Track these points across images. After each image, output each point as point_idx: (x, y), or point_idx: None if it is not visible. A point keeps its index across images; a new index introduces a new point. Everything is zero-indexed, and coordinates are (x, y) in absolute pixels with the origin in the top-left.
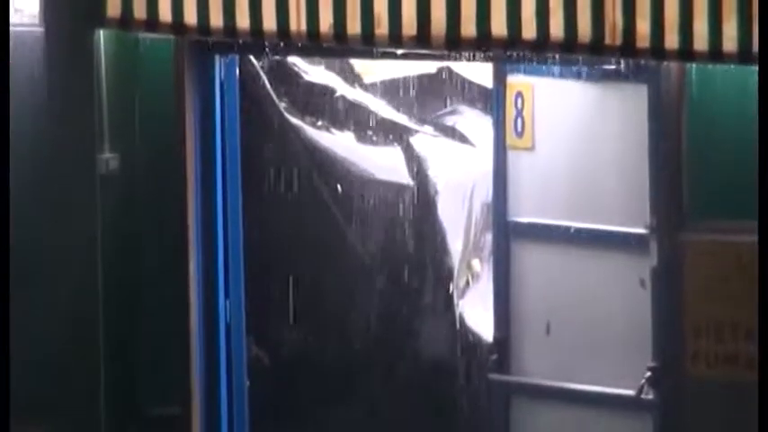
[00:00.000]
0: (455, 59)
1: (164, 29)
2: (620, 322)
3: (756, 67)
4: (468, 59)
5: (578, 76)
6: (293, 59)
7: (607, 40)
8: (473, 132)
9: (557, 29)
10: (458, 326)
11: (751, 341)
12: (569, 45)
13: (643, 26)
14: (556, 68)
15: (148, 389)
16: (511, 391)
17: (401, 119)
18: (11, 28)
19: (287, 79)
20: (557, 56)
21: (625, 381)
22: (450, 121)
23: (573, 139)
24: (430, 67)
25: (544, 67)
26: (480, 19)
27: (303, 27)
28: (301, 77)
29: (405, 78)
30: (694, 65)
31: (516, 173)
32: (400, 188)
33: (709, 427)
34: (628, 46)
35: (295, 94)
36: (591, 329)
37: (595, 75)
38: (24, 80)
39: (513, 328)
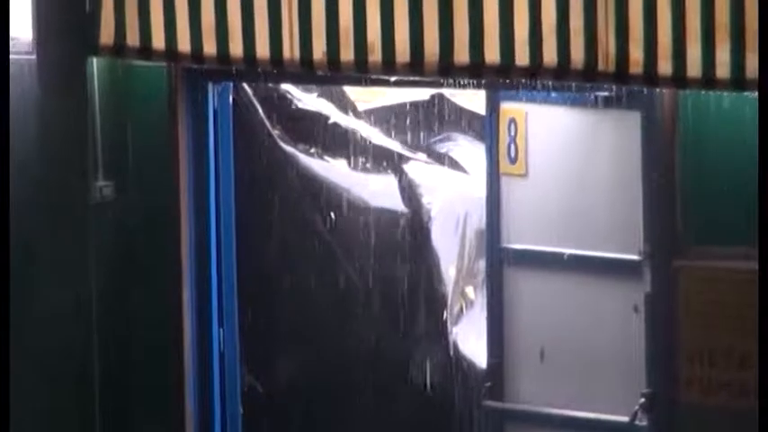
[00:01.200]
0: (448, 86)
1: (157, 56)
2: (614, 349)
3: (750, 93)
4: (461, 86)
5: (571, 102)
6: (286, 87)
7: (600, 67)
8: (466, 159)
9: (550, 55)
10: (452, 353)
11: (745, 368)
12: (562, 72)
13: (636, 52)
14: (549, 95)
15: (142, 417)
16: (505, 417)
17: (394, 146)
18: None
19: (280, 106)
20: (550, 82)
21: (619, 407)
22: (443, 147)
23: (566, 165)
24: (423, 94)
25: (537, 93)
26: (473, 46)
27: (296, 54)
28: (294, 105)
29: (398, 105)
30: (688, 91)
31: (510, 199)
32: (394, 215)
33: None
34: (621, 72)
35: (288, 121)
36: (585, 356)
37: (588, 101)
38: (18, 108)
39: (506, 354)
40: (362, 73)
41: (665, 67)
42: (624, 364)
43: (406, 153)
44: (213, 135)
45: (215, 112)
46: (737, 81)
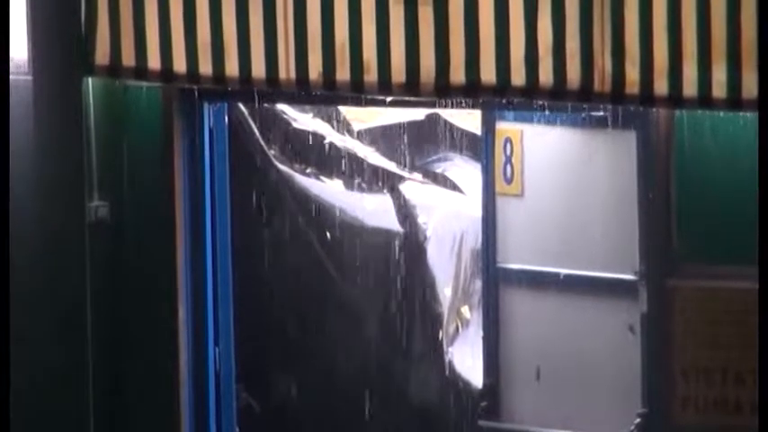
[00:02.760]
0: (444, 106)
1: (152, 77)
2: (610, 368)
3: (744, 113)
4: (457, 106)
5: (567, 122)
6: (282, 107)
7: (596, 87)
8: (462, 179)
9: (546, 76)
10: (447, 372)
11: (740, 386)
12: (558, 92)
13: (632, 72)
14: (545, 115)
15: None
16: None
17: (390, 166)
18: None
19: (276, 126)
20: (546, 102)
21: (615, 427)
22: (439, 167)
23: (562, 185)
24: (419, 113)
25: (533, 113)
26: (469, 66)
27: (292, 74)
28: (290, 125)
29: (394, 125)
30: (683, 110)
31: (505, 219)
32: (390, 235)
33: None
34: (617, 92)
35: (284, 141)
36: (581, 375)
37: (584, 121)
38: (13, 128)
39: (502, 374)
40: (358, 93)
41: (661, 86)
42: (620, 384)
43: (402, 173)
44: (209, 155)
45: (210, 131)
46: (733, 101)
